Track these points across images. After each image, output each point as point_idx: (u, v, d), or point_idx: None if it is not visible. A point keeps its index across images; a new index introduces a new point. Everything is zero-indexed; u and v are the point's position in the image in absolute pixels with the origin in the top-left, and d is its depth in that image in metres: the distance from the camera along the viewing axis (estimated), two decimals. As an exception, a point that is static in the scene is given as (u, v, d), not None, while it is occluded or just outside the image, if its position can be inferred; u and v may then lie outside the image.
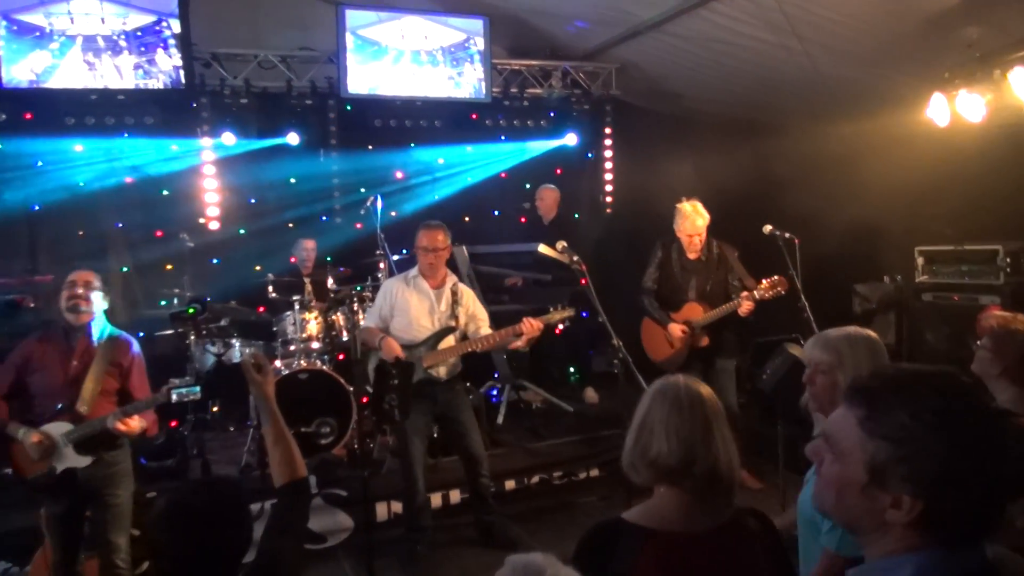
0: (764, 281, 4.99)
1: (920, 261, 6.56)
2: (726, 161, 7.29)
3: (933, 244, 6.53)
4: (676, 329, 5.29)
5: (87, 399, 3.73)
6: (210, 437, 6.14)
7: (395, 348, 4.54)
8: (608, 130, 7.97)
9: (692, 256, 5.36)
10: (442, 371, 4.70)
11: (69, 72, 6.11)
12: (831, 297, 5.84)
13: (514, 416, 6.54)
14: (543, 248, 6.04)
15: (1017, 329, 2.84)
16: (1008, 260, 5.93)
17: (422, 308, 4.68)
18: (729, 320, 5.21)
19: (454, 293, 4.73)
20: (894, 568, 1.18)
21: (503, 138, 7.82)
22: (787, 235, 4.98)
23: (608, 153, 8.03)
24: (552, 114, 7.86)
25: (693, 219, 5.23)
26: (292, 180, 7.27)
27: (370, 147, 7.47)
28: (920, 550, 1.17)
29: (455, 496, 5.44)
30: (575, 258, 4.38)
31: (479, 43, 7.20)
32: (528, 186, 7.81)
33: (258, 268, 6.95)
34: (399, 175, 7.75)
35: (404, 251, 6.73)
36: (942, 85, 5.64)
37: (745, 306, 5.02)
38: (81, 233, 6.78)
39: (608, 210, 8.04)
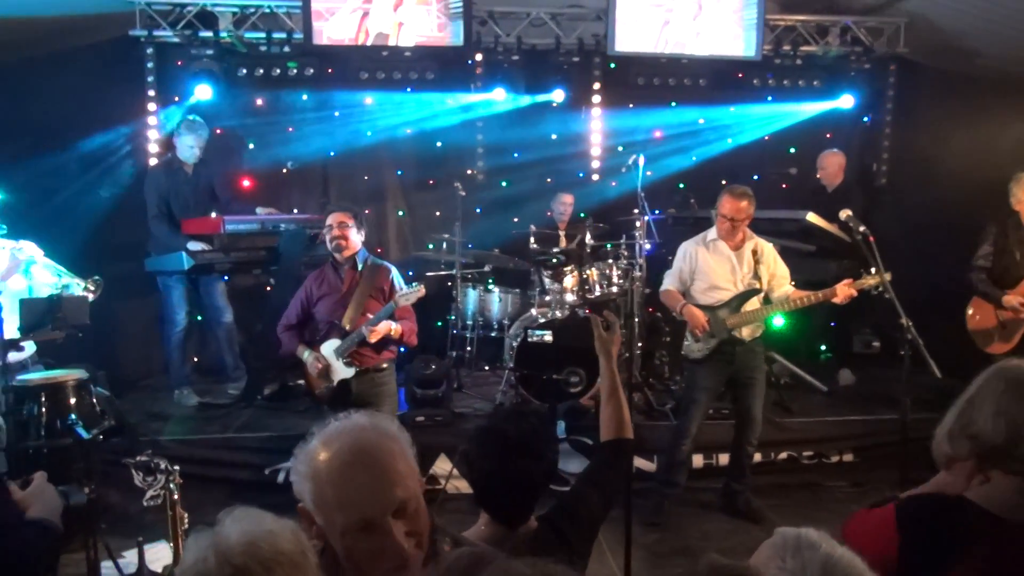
0: None
1: None
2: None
3: None
4: (1013, 299, 4.84)
5: (350, 317, 4.30)
6: (466, 373, 6.63)
7: (698, 316, 4.55)
8: (891, 92, 7.29)
9: None
10: (745, 332, 4.66)
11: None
12: None
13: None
14: (812, 217, 5.74)
15: None
16: None
17: (723, 270, 4.64)
18: None
19: (755, 252, 4.62)
20: None
21: (770, 99, 7.44)
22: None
23: (888, 118, 7.36)
24: (827, 74, 7.33)
25: None
26: (553, 136, 7.49)
27: (631, 105, 7.47)
28: None
29: (697, 460, 5.42)
30: (862, 229, 4.09)
31: (753, -1, 6.87)
32: (793, 150, 7.41)
33: (515, 219, 7.29)
34: (658, 134, 7.69)
35: (657, 211, 6.71)
36: None
37: None
38: (366, 178, 7.52)
39: (883, 180, 7.40)
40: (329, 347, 4.32)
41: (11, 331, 3.71)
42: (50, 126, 6.07)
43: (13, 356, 3.67)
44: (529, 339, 3.83)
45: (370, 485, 1.43)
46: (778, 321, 6.80)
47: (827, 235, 5.80)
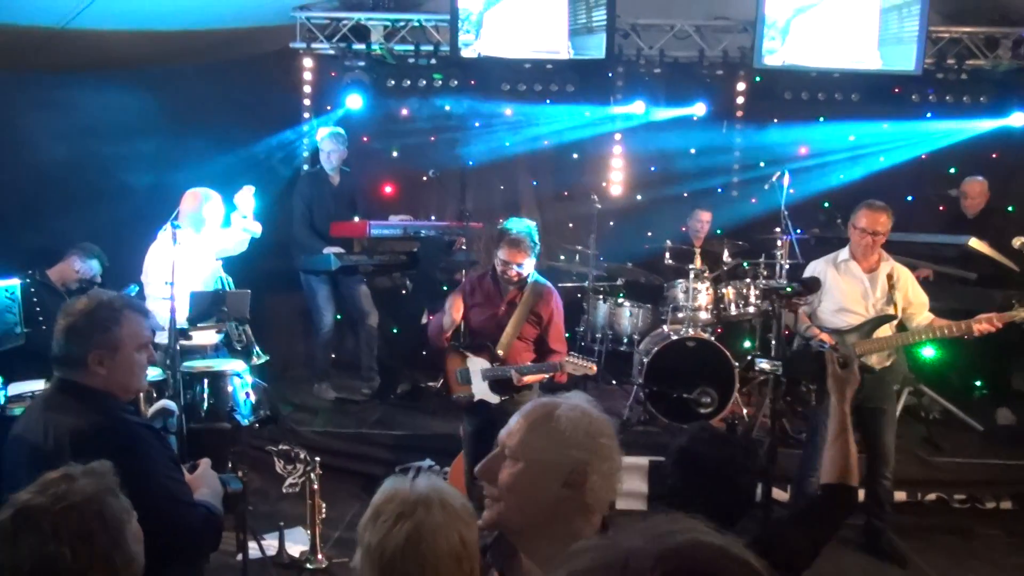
0: None
1: None
2: None
3: None
4: None
5: (505, 343, 4.18)
6: (592, 386, 6.59)
7: (824, 339, 4.35)
8: (1070, 110, 6.70)
9: None
10: (874, 360, 4.42)
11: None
12: None
13: (908, 422, 5.94)
14: (975, 243, 5.38)
15: None
16: None
17: (854, 293, 4.44)
18: None
19: (890, 276, 4.38)
20: None
21: (929, 115, 7.00)
22: None
23: (1065, 138, 6.77)
24: (996, 89, 6.82)
25: None
26: (692, 151, 7.36)
27: (775, 120, 7.24)
28: None
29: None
30: (1036, 258, 3.78)
31: (915, 9, 6.50)
32: (953, 171, 6.94)
33: (649, 234, 7.21)
34: (803, 151, 7.40)
35: (799, 230, 6.46)
36: None
37: None
38: (502, 188, 7.66)
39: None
40: (476, 364, 4.23)
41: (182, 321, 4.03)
42: (218, 130, 6.55)
43: (186, 342, 3.99)
44: (756, 367, 3.73)
45: None
46: (928, 352, 6.41)
47: (990, 262, 5.41)
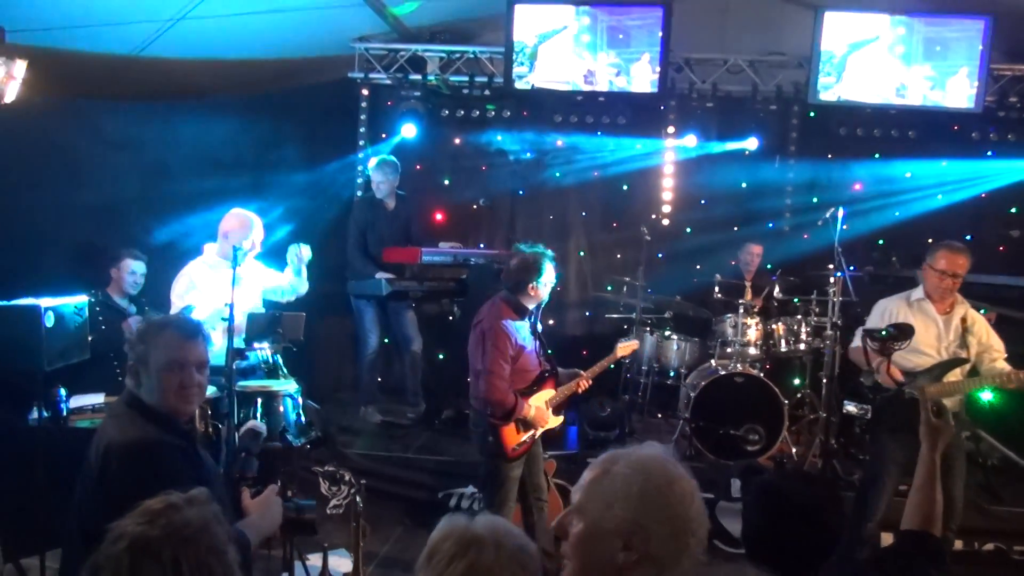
0: None
1: None
2: None
3: None
4: None
5: (553, 364, 4.27)
6: (637, 419, 6.55)
7: (897, 377, 4.20)
8: None
9: None
10: (945, 404, 4.28)
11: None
12: None
13: (965, 467, 5.75)
14: (1039, 284, 5.22)
15: None
16: None
17: (928, 334, 4.27)
18: None
19: (964, 320, 4.25)
20: None
21: (990, 154, 6.87)
22: None
23: None
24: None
25: None
26: (743, 184, 7.32)
27: (830, 156, 7.17)
28: None
29: (887, 538, 5.01)
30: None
31: (976, 46, 6.40)
32: (1014, 210, 6.77)
33: (698, 267, 7.17)
34: (857, 187, 7.31)
35: (852, 267, 6.35)
36: None
37: None
38: (551, 217, 7.71)
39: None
40: (542, 398, 4.20)
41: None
42: (278, 156, 6.75)
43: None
44: (844, 410, 3.64)
45: None
46: (986, 395, 6.20)
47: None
